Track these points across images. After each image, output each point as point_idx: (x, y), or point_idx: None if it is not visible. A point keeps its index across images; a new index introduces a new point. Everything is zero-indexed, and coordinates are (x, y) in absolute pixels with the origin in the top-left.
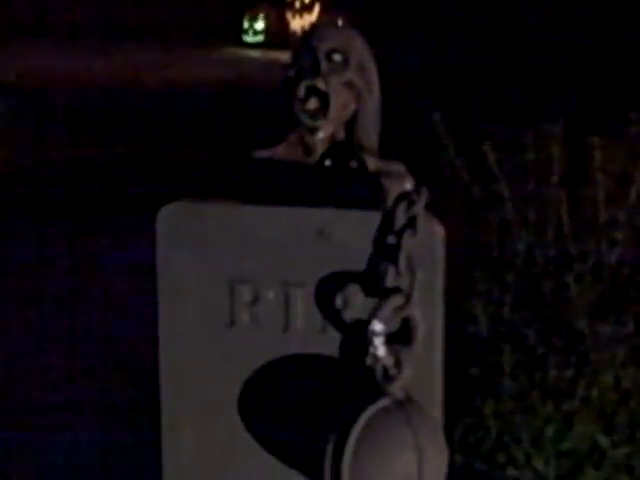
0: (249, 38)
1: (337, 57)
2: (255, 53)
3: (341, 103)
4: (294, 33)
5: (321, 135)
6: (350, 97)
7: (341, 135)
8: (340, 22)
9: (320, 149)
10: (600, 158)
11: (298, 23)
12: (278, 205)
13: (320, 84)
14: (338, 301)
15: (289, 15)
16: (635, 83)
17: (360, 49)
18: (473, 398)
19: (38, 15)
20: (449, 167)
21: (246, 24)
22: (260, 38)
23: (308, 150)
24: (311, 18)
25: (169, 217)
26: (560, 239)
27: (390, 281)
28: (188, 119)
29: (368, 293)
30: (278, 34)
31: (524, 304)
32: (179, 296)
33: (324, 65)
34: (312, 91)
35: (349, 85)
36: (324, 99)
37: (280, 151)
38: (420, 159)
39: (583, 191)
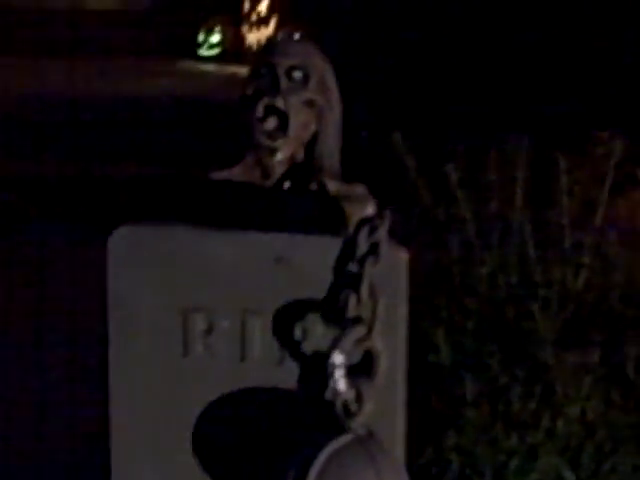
0: (204, 52)
1: (297, 74)
2: (210, 67)
3: (301, 123)
4: (250, 47)
5: (280, 156)
6: (310, 116)
7: (300, 156)
8: (298, 36)
9: (279, 171)
10: (566, 180)
11: (254, 37)
12: (234, 230)
13: (279, 103)
14: (297, 331)
15: (245, 28)
16: (602, 102)
17: (321, 66)
18: (434, 429)
19: None
20: (410, 188)
21: (201, 37)
22: (215, 51)
23: (266, 172)
24: (267, 32)
25: (120, 241)
26: (524, 264)
27: (351, 310)
28: (140, 134)
29: (328, 323)
30: (234, 48)
31: (487, 332)
32: (130, 324)
33: (284, 83)
34: (271, 110)
35: (309, 104)
36: (283, 119)
37: (237, 172)
38: (380, 179)
39: (548, 214)
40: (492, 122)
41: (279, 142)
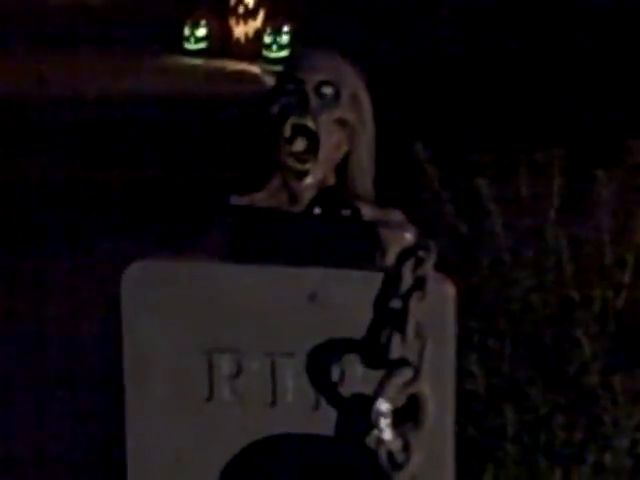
0: (190, 45)
1: (327, 91)
2: (197, 61)
3: (332, 143)
4: (237, 40)
5: (309, 180)
6: (342, 136)
7: (331, 179)
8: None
9: (308, 196)
10: (604, 193)
11: (242, 30)
12: (262, 263)
13: (308, 122)
14: (334, 373)
15: (232, 21)
16: (635, 110)
17: (353, 81)
18: (470, 463)
19: None
20: (433, 201)
21: (187, 31)
22: (202, 45)
23: (294, 197)
24: (255, 25)
25: (135, 278)
26: (560, 282)
27: (395, 351)
28: (126, 134)
29: (369, 365)
30: (221, 41)
31: (524, 356)
32: (149, 367)
33: (313, 100)
34: (299, 130)
35: (341, 123)
36: (313, 139)
37: (261, 197)
38: (400, 193)
39: (585, 229)
40: (518, 131)
41: (308, 165)
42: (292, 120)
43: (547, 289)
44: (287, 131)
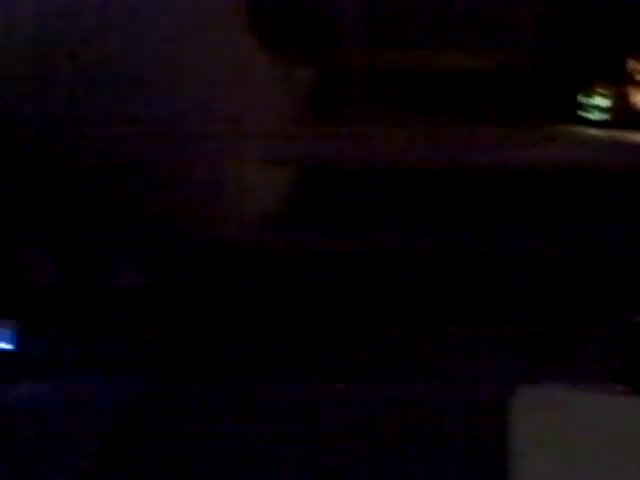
0: (588, 115)
1: None
2: (596, 132)
3: None
4: (637, 109)
5: None
6: None
7: None
8: None
9: None
10: None
11: None
12: None
13: None
14: None
15: (631, 89)
16: None
17: None
18: None
19: None
20: None
21: (584, 99)
22: (603, 116)
23: None
24: None
25: (530, 404)
26: None
27: None
28: (523, 206)
29: None
30: (621, 110)
31: None
32: None
33: None
34: None
35: None
36: None
37: None
38: None
39: None
40: None
41: None
42: None
43: None
44: None
